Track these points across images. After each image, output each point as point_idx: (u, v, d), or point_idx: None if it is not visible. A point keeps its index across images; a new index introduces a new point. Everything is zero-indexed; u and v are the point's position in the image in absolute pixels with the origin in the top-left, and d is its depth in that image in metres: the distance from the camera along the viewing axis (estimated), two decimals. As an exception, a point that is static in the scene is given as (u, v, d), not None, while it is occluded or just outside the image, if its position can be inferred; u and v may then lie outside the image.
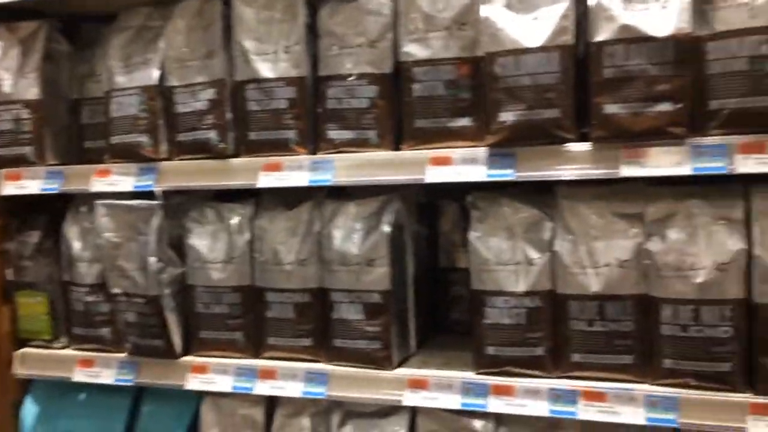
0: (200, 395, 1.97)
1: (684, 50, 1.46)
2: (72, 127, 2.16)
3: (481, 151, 1.66)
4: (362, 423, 1.83)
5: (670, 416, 1.53)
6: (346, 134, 1.78)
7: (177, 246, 1.96)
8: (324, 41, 1.81)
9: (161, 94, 1.95)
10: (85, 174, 2.00)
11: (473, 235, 1.72)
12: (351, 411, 1.85)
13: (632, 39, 1.48)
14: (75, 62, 2.16)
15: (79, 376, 2.04)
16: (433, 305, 2.12)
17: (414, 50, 1.72)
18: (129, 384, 1.98)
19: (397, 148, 1.76)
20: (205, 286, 1.91)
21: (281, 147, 1.83)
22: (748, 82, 1.44)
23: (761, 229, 1.51)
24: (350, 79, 1.76)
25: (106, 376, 2.01)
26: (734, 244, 1.52)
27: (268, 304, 1.87)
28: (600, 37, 1.51)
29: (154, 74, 1.95)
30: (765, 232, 1.50)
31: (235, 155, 1.88)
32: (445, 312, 2.14)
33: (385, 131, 1.76)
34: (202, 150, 1.90)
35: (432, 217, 2.14)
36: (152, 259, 1.90)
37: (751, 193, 1.54)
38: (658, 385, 1.57)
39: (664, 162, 1.51)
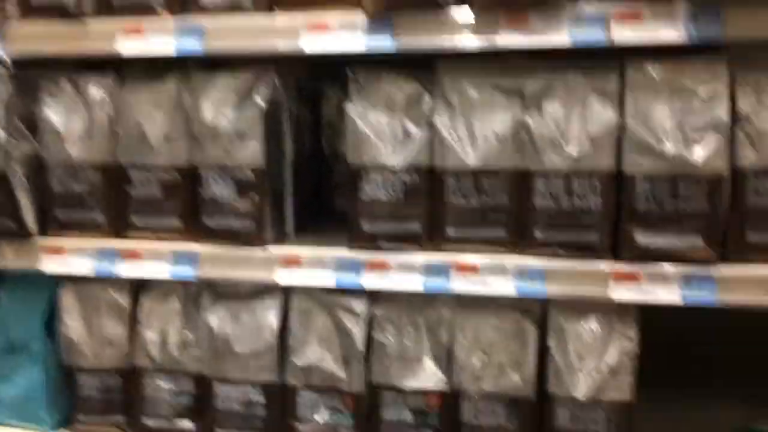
0: (60, 281, 1.84)
1: None
2: None
3: (360, 18, 1.57)
4: (234, 305, 1.77)
5: (538, 286, 1.55)
6: (217, -4, 1.65)
7: (30, 121, 1.79)
8: None
9: (5, -54, 1.74)
10: None
11: (351, 109, 1.65)
12: (222, 293, 1.78)
13: None
14: None
15: None
16: (317, 194, 2.06)
17: None
18: (-22, 269, 1.83)
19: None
20: (61, 163, 1.76)
21: (145, 9, 1.67)
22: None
23: (634, 101, 1.52)
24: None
25: (-48, 262, 1.84)
26: (607, 116, 1.52)
27: (133, 183, 1.75)
28: None
29: (-3, -76, 1.73)
30: (637, 104, 1.51)
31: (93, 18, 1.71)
32: (328, 201, 2.09)
33: (259, -6, 1.63)
34: (56, 12, 1.71)
35: (316, 104, 2.05)
36: (0, 133, 1.72)
37: (626, 65, 1.55)
38: (529, 256, 1.58)
39: (542, 29, 1.48)
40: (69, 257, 1.75)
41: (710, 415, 1.92)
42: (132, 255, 1.73)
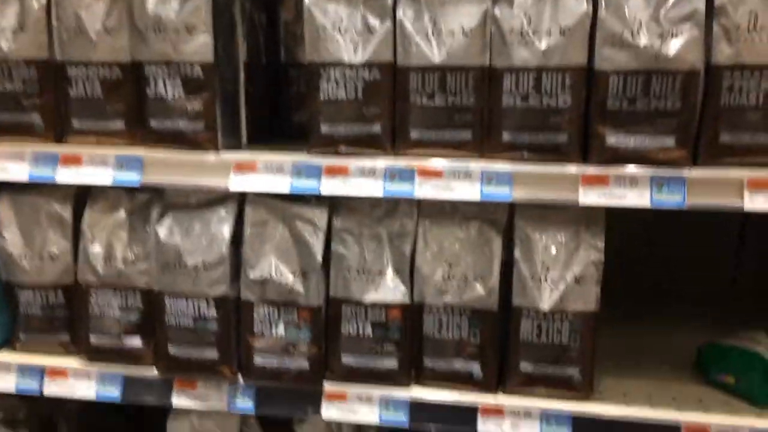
0: (-4, 192, 1.72)
1: None
2: None
3: None
4: (185, 215, 1.67)
5: (504, 190, 1.49)
6: None
7: (-45, 13, 1.63)
8: None
9: None
10: None
11: (309, 0, 1.53)
12: (172, 203, 1.68)
13: None
14: None
15: None
16: (274, 108, 1.94)
17: None
18: None
19: None
20: (-9, 58, 1.62)
21: None
22: None
23: (608, -10, 1.43)
24: None
25: None
26: (580, 7, 1.44)
27: (71, 81, 1.61)
28: None
29: None
30: (612, -6, 1.43)
31: None
32: (286, 116, 1.98)
33: None
34: None
35: (273, 9, 1.92)
36: None
37: (601, -46, 1.46)
38: (495, 160, 1.51)
39: None
40: (3, 162, 1.62)
41: (678, 330, 1.92)
42: (71, 160, 1.60)
